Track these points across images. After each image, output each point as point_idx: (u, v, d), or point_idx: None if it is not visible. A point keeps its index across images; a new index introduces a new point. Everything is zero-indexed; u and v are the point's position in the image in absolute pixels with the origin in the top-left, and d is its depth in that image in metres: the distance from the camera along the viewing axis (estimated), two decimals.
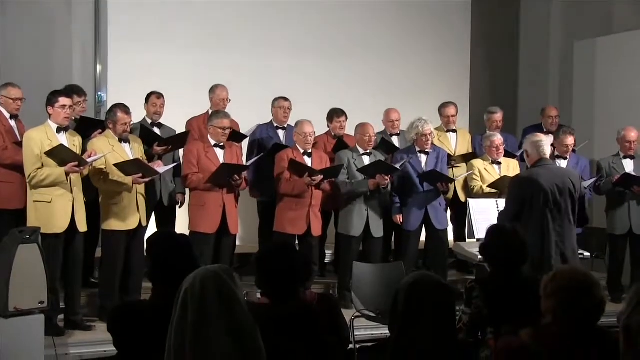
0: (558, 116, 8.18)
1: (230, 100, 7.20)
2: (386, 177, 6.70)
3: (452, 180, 6.91)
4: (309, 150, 6.73)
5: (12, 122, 6.20)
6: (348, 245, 6.84)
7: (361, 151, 6.91)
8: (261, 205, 7.48)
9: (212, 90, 7.23)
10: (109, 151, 5.84)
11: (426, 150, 6.94)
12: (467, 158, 7.53)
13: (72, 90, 6.34)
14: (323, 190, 6.71)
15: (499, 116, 7.86)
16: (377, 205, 6.86)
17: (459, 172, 7.41)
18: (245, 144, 7.28)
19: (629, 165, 7.33)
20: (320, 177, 6.54)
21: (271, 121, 7.41)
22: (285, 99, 7.36)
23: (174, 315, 2.63)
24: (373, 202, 6.82)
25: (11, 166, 6.03)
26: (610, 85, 9.04)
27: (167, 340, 2.62)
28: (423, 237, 7.19)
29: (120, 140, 6.01)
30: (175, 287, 3.31)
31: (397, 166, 6.75)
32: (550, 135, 7.26)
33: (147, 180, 6.01)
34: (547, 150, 5.46)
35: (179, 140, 6.70)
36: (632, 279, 7.20)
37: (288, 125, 7.32)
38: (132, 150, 6.07)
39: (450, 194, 7.36)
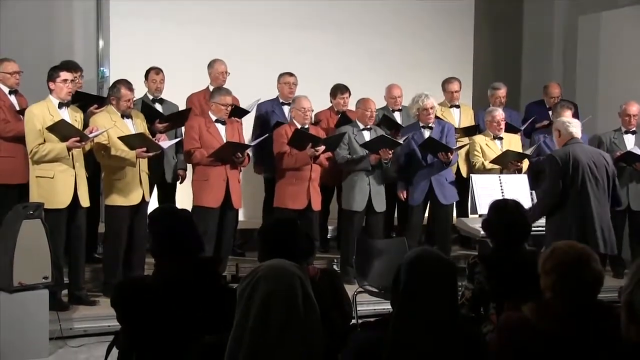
0: (560, 96, 8.12)
1: (229, 73, 7.17)
2: (389, 152, 6.69)
3: (450, 150, 6.81)
4: (307, 126, 6.69)
5: (12, 97, 6.20)
6: (350, 220, 6.84)
7: (361, 126, 6.89)
8: (266, 182, 7.47)
9: (211, 64, 7.20)
10: (111, 126, 5.84)
11: (430, 125, 6.93)
12: (468, 131, 7.51)
13: (67, 66, 6.29)
14: (321, 165, 6.70)
15: (502, 92, 7.84)
16: (379, 180, 6.85)
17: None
18: (249, 119, 7.25)
19: (630, 141, 7.33)
20: (322, 147, 6.53)
21: (277, 97, 7.37)
22: (291, 74, 7.32)
23: (245, 310, 2.60)
24: (375, 177, 6.82)
25: (14, 138, 6.02)
26: (614, 60, 8.98)
27: (232, 341, 2.62)
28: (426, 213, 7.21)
29: (123, 115, 6.01)
30: (178, 262, 3.33)
31: (401, 141, 6.72)
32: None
33: (150, 154, 6.00)
34: (577, 131, 5.63)
35: (180, 117, 6.68)
36: (633, 254, 7.23)
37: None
38: (135, 126, 6.07)
39: (453, 170, 7.34)
